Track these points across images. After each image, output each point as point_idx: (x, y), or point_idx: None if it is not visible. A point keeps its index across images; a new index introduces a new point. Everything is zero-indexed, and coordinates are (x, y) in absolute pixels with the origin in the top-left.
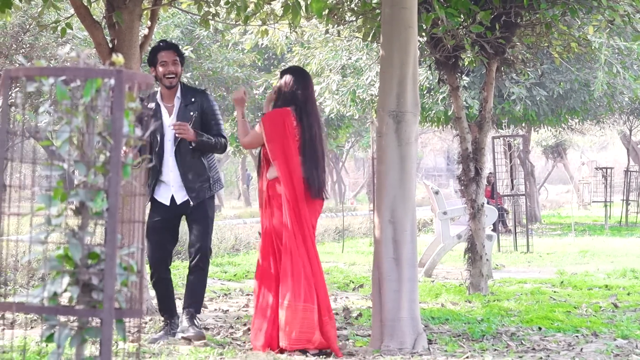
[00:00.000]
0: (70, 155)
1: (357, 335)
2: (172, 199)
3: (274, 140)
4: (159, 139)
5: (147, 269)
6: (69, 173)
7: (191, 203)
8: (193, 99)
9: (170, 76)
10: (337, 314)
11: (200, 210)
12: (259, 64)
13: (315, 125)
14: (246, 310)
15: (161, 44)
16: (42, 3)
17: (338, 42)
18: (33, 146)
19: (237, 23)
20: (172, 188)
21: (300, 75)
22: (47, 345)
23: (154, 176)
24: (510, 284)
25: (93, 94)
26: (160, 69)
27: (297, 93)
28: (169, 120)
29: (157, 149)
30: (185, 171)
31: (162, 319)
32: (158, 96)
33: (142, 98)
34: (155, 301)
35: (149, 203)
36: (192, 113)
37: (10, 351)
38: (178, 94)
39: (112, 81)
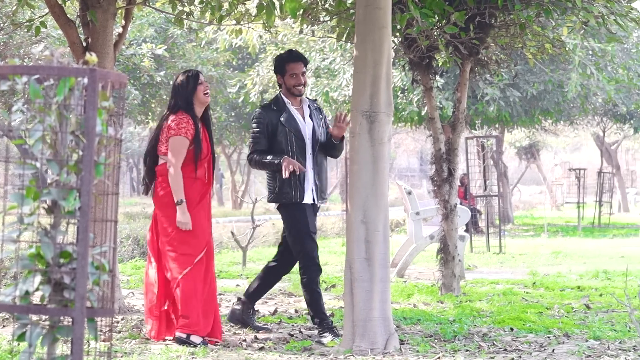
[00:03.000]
0: (43, 153)
1: None
2: (313, 199)
3: None
4: (294, 140)
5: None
6: (41, 172)
7: (318, 203)
8: (315, 104)
9: (300, 87)
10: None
11: (316, 211)
12: (233, 63)
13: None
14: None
15: (289, 54)
16: (17, 1)
17: (312, 43)
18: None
19: (211, 22)
20: (310, 186)
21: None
22: (18, 344)
23: (296, 177)
24: (482, 285)
25: (66, 92)
26: (292, 81)
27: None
28: (304, 121)
29: (294, 149)
30: (319, 170)
31: (318, 320)
32: (286, 100)
33: (264, 105)
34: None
35: (294, 205)
36: (320, 115)
37: None
38: (304, 98)
39: (86, 80)
